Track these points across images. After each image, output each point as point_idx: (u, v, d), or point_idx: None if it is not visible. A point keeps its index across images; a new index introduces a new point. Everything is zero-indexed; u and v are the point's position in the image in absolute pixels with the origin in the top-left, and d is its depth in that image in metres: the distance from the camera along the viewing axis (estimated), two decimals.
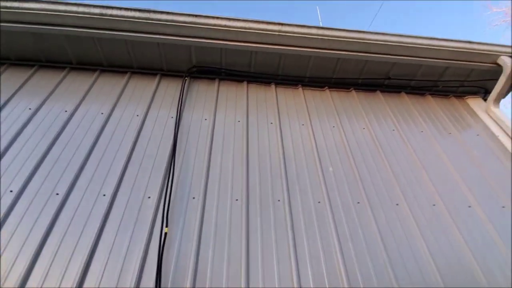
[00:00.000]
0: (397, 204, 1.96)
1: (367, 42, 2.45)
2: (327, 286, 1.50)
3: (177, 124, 2.16)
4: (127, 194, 1.75)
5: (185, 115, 2.31)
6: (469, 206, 2.01)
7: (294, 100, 2.61)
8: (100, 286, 1.37)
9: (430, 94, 2.88)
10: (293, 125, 2.38)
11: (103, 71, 2.57)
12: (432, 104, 2.80)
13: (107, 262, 1.45)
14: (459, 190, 2.10)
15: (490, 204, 2.04)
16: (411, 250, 1.73)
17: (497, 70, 2.62)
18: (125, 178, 1.83)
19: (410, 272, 1.63)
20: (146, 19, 2.29)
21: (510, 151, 2.43)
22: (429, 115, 2.69)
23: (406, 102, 2.78)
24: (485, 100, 2.83)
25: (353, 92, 2.78)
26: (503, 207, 2.03)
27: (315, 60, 2.60)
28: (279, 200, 1.86)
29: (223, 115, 2.36)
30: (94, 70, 2.55)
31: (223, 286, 1.44)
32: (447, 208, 1.97)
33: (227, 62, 2.61)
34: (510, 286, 1.67)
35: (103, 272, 1.41)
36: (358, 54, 2.52)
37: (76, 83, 2.41)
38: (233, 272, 1.49)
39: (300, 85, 2.75)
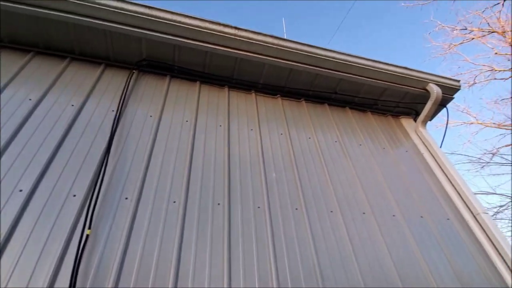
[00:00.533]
0: (331, 211, 2.06)
1: (317, 57, 2.57)
2: (257, 287, 1.52)
3: (116, 118, 2.01)
4: (49, 190, 1.57)
5: (128, 109, 2.17)
6: (393, 215, 2.20)
7: (246, 105, 2.63)
8: (8, 286, 1.21)
9: (371, 112, 3.12)
10: (242, 129, 2.38)
11: (38, 53, 2.30)
12: (372, 120, 3.04)
13: (18, 261, 1.29)
14: (387, 200, 2.29)
15: (411, 214, 2.26)
16: (339, 254, 1.83)
17: (426, 95, 2.95)
18: (48, 173, 1.64)
19: (336, 275, 1.72)
20: (93, 3, 2.11)
21: (432, 168, 2.73)
22: (368, 130, 2.91)
23: (349, 116, 2.97)
24: (415, 121, 3.16)
25: (303, 102, 2.89)
26: (421, 217, 2.27)
27: (269, 68, 2.65)
28: (219, 204, 1.83)
29: (171, 113, 2.27)
30: (28, 51, 2.27)
31: (149, 286, 1.37)
32: (375, 216, 2.14)
33: (181, 60, 2.53)
34: (424, 287, 1.85)
35: (13, 270, 1.25)
36: (309, 67, 2.63)
37: (6, 64, 2.12)
38: (161, 273, 1.42)
39: (253, 91, 2.77)
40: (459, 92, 3.04)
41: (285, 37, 2.56)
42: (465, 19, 12.37)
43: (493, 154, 9.43)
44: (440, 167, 2.71)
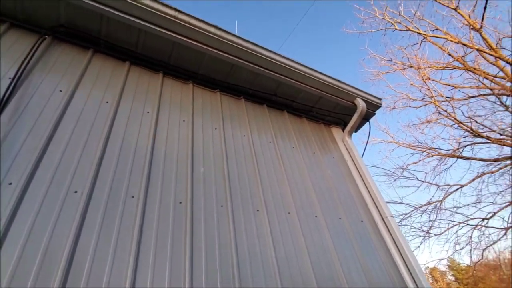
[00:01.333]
0: (257, 210, 2.02)
1: (260, 56, 2.55)
2: (166, 286, 1.36)
3: (11, 85, 1.63)
4: None
5: (32, 79, 1.79)
6: (316, 216, 2.27)
7: (181, 95, 2.44)
8: None
9: (306, 118, 3.24)
10: (172, 119, 2.19)
11: None
12: (306, 126, 3.15)
13: None
14: (311, 201, 2.36)
15: (332, 215, 2.37)
16: (260, 253, 1.78)
17: (353, 108, 3.20)
18: None
19: (255, 275, 1.66)
20: None
21: (353, 174, 2.95)
22: (301, 134, 3.00)
23: (286, 120, 3.03)
24: (343, 130, 3.39)
25: (243, 100, 2.83)
26: (340, 218, 2.40)
27: (210, 59, 2.52)
28: (133, 197, 1.61)
29: (88, 91, 1.95)
30: None
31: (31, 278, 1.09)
32: (299, 216, 2.17)
33: (109, 34, 2.22)
34: (336, 287, 1.93)
35: None
36: (251, 65, 2.59)
37: None
38: (48, 269, 1.15)
39: (191, 81, 2.60)
40: (382, 113, 3.41)
41: (228, 30, 2.47)
42: (391, 52, 14.22)
43: (403, 169, 10.96)
44: (360, 174, 2.94)
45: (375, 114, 3.42)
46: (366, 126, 3.56)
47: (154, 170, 1.81)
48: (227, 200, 1.94)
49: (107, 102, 1.97)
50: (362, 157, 3.27)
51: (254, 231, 1.88)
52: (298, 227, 2.09)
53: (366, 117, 3.41)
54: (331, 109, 3.28)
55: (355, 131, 3.54)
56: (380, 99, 3.37)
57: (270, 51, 2.62)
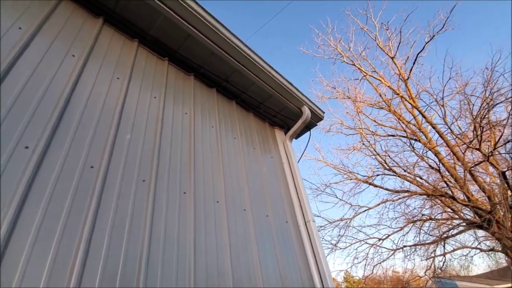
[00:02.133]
0: (184, 193, 1.81)
1: (215, 31, 2.36)
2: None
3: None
4: None
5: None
6: (244, 210, 2.18)
7: (122, 50, 2.09)
8: None
9: (253, 113, 3.17)
10: (104, 73, 1.83)
11: None
12: (252, 121, 3.08)
13: None
14: (242, 194, 2.26)
15: (260, 211, 2.31)
16: (177, 240, 1.58)
17: (299, 114, 3.27)
18: None
19: (167, 260, 1.45)
20: None
21: (286, 177, 2.98)
22: (245, 128, 2.91)
23: (233, 110, 2.90)
24: (285, 134, 3.44)
25: (192, 78, 2.60)
26: (267, 216, 2.36)
27: (164, 20, 2.23)
28: (92, 167, 1.27)
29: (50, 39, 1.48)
30: None
31: None
32: (227, 207, 2.04)
33: None
34: (254, 286, 1.84)
35: None
36: (207, 40, 2.39)
37: None
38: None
39: (137, 40, 2.26)
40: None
41: None
42: (336, 81, 15.59)
43: (327, 186, 11.95)
44: (293, 177, 2.99)
45: (316, 125, 3.57)
46: (307, 135, 3.69)
47: (64, 123, 1.45)
48: (151, 175, 1.68)
49: (73, 55, 1.52)
50: (298, 162, 3.36)
51: (176, 213, 1.68)
52: (224, 219, 1.96)
53: (308, 126, 3.53)
54: (278, 111, 3.29)
55: (296, 138, 3.64)
56: (323, 112, 3.53)
57: (229, 31, 2.46)
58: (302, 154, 3.72)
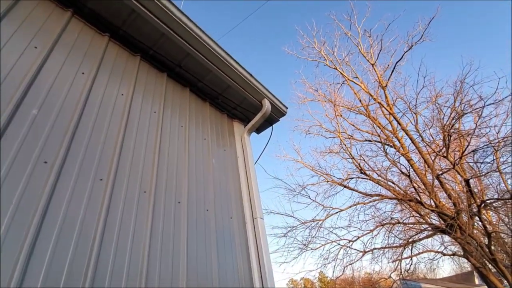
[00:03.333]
0: (100, 179, 1.60)
1: (163, 9, 2.15)
2: None
3: None
4: None
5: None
6: (179, 202, 1.99)
7: (55, 23, 1.85)
8: None
9: (210, 103, 2.99)
10: (18, 42, 1.59)
11: None
12: (207, 111, 2.89)
13: None
14: (179, 184, 2.07)
15: (198, 205, 2.13)
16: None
17: (259, 107, 3.11)
18: None
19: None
20: None
21: (239, 171, 2.82)
22: (198, 117, 2.72)
23: (185, 97, 2.70)
24: (245, 127, 3.27)
25: (139, 58, 2.38)
26: (207, 210, 2.18)
27: None
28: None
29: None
30: None
31: None
32: (156, 197, 1.85)
33: None
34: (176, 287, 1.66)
35: None
36: (154, 18, 2.18)
37: None
38: None
39: (71, 10, 2.02)
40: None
41: None
42: (318, 83, 15.64)
43: (303, 188, 11.92)
44: (246, 172, 2.83)
45: (279, 120, 3.43)
46: (269, 131, 3.54)
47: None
48: (58, 153, 1.46)
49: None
50: (259, 157, 3.21)
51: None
52: (149, 210, 1.76)
53: (270, 121, 3.39)
54: (238, 103, 3.12)
55: (258, 132, 3.48)
56: (286, 107, 3.39)
57: (179, 10, 2.26)
58: (263, 150, 3.56)
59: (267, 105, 3.05)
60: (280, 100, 3.29)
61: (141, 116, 2.10)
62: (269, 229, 9.90)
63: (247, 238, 2.39)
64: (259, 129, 3.43)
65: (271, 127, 3.48)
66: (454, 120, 8.22)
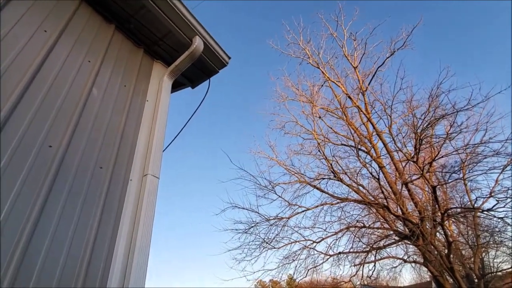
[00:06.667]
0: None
1: None
2: None
3: None
4: None
5: None
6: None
7: None
8: None
9: (117, 26, 2.19)
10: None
11: None
12: (109, 36, 2.09)
13: None
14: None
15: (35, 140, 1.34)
16: None
17: (188, 46, 2.35)
18: None
19: None
20: None
21: (142, 117, 2.04)
22: (93, 40, 1.92)
23: (69, 11, 1.90)
24: (167, 69, 2.50)
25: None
26: (50, 146, 1.39)
27: None
28: None
29: None
30: None
31: None
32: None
33: None
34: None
35: None
36: None
37: None
38: None
39: None
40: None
41: None
42: (300, 81, 15.06)
43: (273, 186, 11.20)
44: (152, 121, 2.06)
45: (218, 72, 2.68)
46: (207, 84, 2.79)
47: None
48: None
49: None
50: (194, 113, 2.45)
51: None
52: None
53: (207, 72, 2.65)
54: (160, 36, 2.35)
55: (192, 85, 2.74)
56: (229, 57, 2.65)
57: None
58: (200, 104, 2.78)
59: (197, 43, 2.30)
60: (219, 44, 2.54)
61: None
62: (231, 223, 9.07)
63: (125, 199, 1.61)
64: (192, 80, 2.68)
65: (208, 80, 2.73)
66: (427, 124, 7.81)
